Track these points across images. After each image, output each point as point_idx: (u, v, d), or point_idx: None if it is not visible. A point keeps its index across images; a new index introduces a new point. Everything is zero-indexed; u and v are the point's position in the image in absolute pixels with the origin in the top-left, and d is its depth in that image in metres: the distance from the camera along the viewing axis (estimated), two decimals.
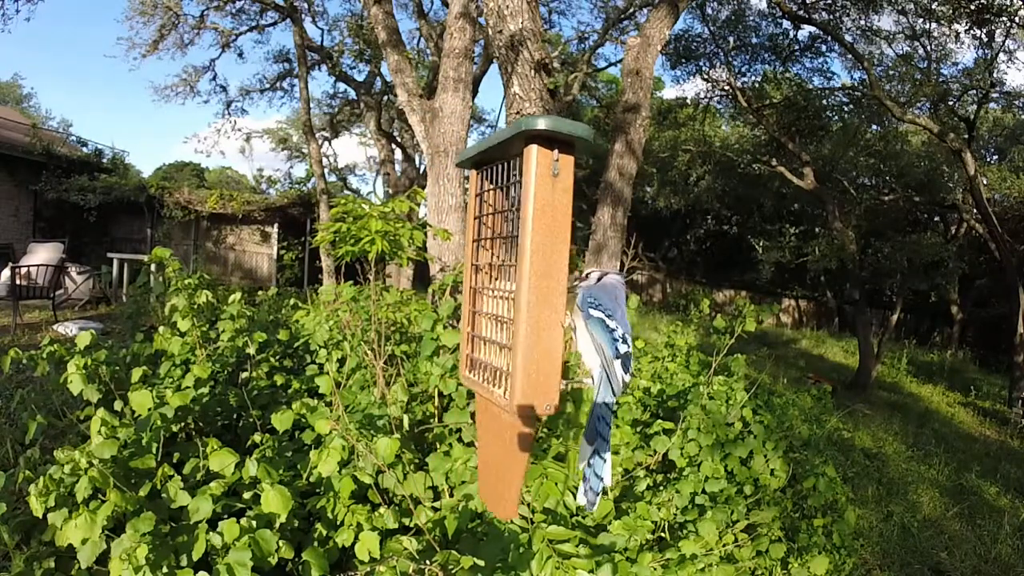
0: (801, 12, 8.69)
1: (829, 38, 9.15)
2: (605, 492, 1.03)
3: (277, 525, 1.54)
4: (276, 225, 12.04)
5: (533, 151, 0.97)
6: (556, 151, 0.97)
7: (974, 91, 8.75)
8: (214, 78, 12.59)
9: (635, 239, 3.02)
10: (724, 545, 2.21)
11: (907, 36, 9.03)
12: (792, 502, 2.66)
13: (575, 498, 1.83)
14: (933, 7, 8.13)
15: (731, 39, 10.06)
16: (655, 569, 1.80)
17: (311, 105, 11.07)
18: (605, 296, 1.08)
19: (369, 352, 2.32)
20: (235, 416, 2.38)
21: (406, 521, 1.74)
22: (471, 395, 2.16)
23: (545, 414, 1.02)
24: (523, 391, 1.01)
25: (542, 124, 0.96)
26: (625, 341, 1.05)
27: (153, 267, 5.03)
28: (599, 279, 1.13)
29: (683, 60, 10.49)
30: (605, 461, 0.99)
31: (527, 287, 0.99)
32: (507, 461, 1.08)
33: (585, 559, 1.44)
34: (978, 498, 4.44)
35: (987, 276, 13.37)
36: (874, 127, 11.25)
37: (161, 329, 2.47)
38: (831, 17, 8.75)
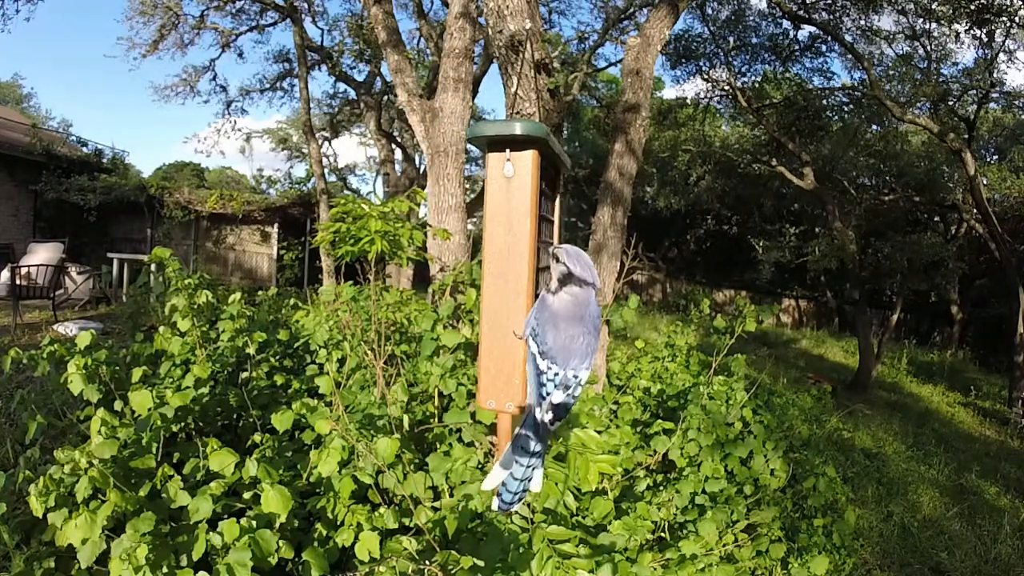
0: (801, 12, 8.68)
1: (829, 38, 9.14)
2: (511, 505, 0.99)
3: (277, 525, 1.54)
4: (276, 225, 12.04)
5: (489, 158, 0.98)
6: (508, 151, 0.96)
7: (974, 91, 8.73)
8: (214, 78, 12.57)
9: (635, 239, 3.02)
10: (724, 545, 2.21)
11: (907, 36, 9.02)
12: (792, 502, 2.66)
13: (575, 498, 1.83)
14: (933, 7, 8.12)
15: (731, 39, 10.05)
16: (655, 569, 1.80)
17: (311, 105, 11.06)
18: (549, 321, 0.95)
19: (369, 352, 2.32)
20: (235, 416, 2.38)
21: (406, 521, 1.74)
22: (471, 395, 2.16)
23: (507, 413, 1.03)
24: (484, 388, 1.03)
25: (487, 131, 0.97)
26: (564, 386, 0.94)
27: (153, 267, 5.03)
28: (559, 289, 0.97)
29: (683, 60, 10.48)
30: (517, 480, 0.98)
31: (485, 287, 1.01)
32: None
33: (585, 559, 1.44)
34: (978, 498, 4.44)
35: (987, 276, 13.36)
36: (874, 127, 11.24)
37: (161, 329, 2.47)
38: (831, 17, 8.74)
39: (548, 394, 0.94)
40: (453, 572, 1.35)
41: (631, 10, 10.78)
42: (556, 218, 1.22)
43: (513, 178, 0.97)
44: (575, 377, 0.96)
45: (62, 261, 7.22)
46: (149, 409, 1.85)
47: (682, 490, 2.38)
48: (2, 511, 1.59)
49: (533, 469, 0.98)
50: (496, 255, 0.99)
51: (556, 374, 0.95)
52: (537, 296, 1.03)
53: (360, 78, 12.83)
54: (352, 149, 66.45)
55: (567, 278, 0.96)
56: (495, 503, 1.00)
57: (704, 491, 2.41)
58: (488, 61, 9.62)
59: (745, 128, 13.27)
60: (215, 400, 2.28)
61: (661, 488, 2.43)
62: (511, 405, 1.02)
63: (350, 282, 2.88)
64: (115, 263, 8.91)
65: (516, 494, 0.97)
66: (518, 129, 0.94)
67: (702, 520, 2.16)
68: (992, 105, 10.45)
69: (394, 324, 2.78)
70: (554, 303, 0.97)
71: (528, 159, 0.97)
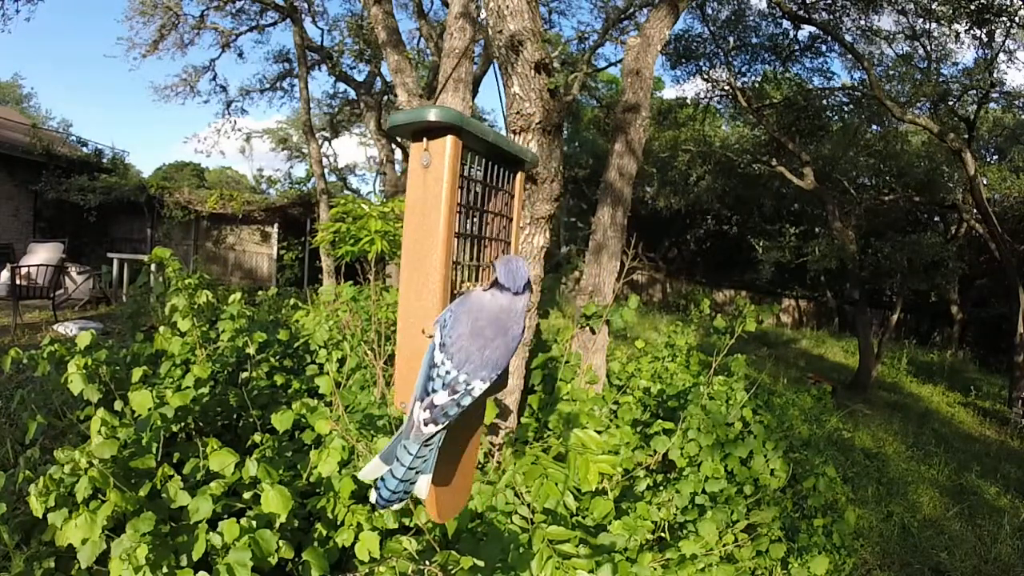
0: (801, 12, 8.69)
1: (829, 38, 9.15)
2: (390, 503, 0.91)
3: (277, 525, 1.54)
4: (276, 225, 12.04)
5: (411, 148, 0.95)
6: (425, 140, 0.92)
7: (974, 91, 8.73)
8: (214, 78, 12.58)
9: (635, 239, 3.02)
10: (724, 545, 2.21)
11: (907, 36, 9.02)
12: (792, 502, 2.66)
13: (575, 498, 1.84)
14: (933, 7, 8.12)
15: (731, 39, 10.05)
16: (655, 569, 1.80)
17: (311, 105, 11.07)
18: (464, 315, 0.88)
19: (369, 352, 2.33)
20: (235, 416, 2.38)
21: (406, 521, 1.74)
22: None
23: None
24: (399, 388, 0.98)
25: (401, 119, 0.93)
26: (452, 388, 0.87)
27: (153, 267, 5.04)
28: (488, 288, 0.91)
29: (683, 60, 10.48)
30: (397, 480, 0.90)
31: (401, 282, 0.97)
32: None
33: (585, 559, 1.44)
34: (978, 498, 4.44)
35: (987, 276, 13.37)
36: (874, 127, 11.25)
37: (161, 329, 2.47)
38: (831, 17, 8.74)
39: (433, 391, 0.87)
40: (453, 572, 1.35)
41: (631, 10, 10.78)
42: (515, 215, 1.15)
43: (429, 167, 0.93)
44: (466, 384, 0.88)
45: (62, 261, 7.22)
46: (149, 409, 1.85)
47: (682, 490, 2.38)
48: (2, 511, 1.59)
49: (417, 472, 0.90)
50: (410, 249, 0.96)
51: (447, 372, 0.87)
52: (455, 296, 0.97)
53: (360, 78, 12.85)
54: (352, 149, 66.54)
55: (493, 282, 0.92)
56: (372, 496, 0.93)
57: (704, 491, 2.41)
58: (488, 61, 9.60)
59: (745, 128, 13.28)
60: (215, 400, 2.28)
61: (661, 488, 2.43)
62: None
63: (350, 282, 2.88)
64: (115, 263, 8.92)
65: (395, 493, 0.89)
66: (431, 115, 0.89)
67: (702, 520, 2.16)
68: (992, 105, 10.45)
69: (394, 324, 2.78)
70: (477, 299, 0.91)
71: (443, 146, 0.91)
